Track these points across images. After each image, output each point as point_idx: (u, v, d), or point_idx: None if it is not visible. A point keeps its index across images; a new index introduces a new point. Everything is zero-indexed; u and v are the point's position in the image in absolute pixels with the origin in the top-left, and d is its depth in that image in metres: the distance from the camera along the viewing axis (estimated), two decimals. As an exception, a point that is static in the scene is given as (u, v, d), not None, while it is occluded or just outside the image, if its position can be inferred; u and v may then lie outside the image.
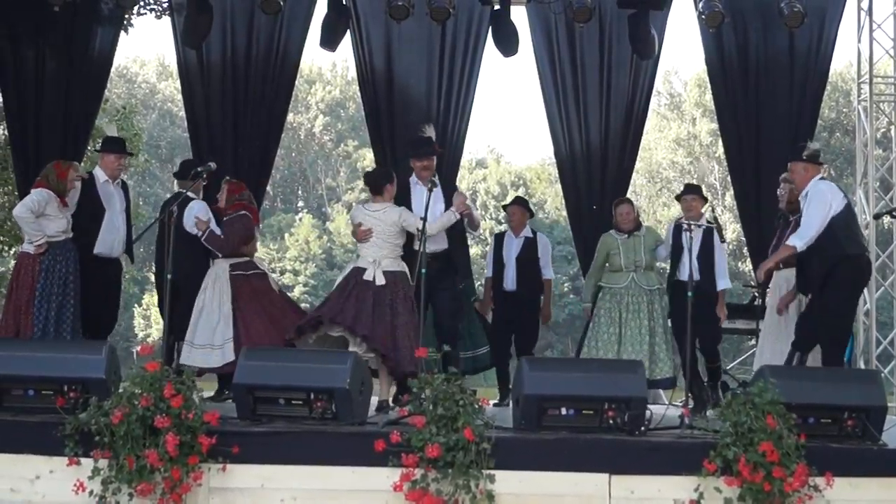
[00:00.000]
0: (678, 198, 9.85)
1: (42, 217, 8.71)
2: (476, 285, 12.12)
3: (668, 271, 9.74)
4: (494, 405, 8.54)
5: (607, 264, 9.81)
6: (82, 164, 10.85)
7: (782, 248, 8.20)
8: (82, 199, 9.09)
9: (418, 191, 9.02)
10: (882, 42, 12.02)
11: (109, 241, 9.16)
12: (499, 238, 10.68)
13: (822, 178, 8.23)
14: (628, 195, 10.90)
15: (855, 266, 8.14)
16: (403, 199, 8.98)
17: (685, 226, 8.75)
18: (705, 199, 9.83)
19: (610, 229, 9.94)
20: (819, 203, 8.03)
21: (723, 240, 9.46)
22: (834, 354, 8.09)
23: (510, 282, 10.22)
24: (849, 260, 8.05)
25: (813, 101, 11.47)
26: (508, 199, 11.62)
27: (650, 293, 9.67)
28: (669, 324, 9.64)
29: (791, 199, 9.06)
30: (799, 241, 8.00)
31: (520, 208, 10.67)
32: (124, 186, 9.49)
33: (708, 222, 9.45)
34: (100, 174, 9.24)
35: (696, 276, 8.46)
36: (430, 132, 9.34)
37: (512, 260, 10.27)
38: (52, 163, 9.09)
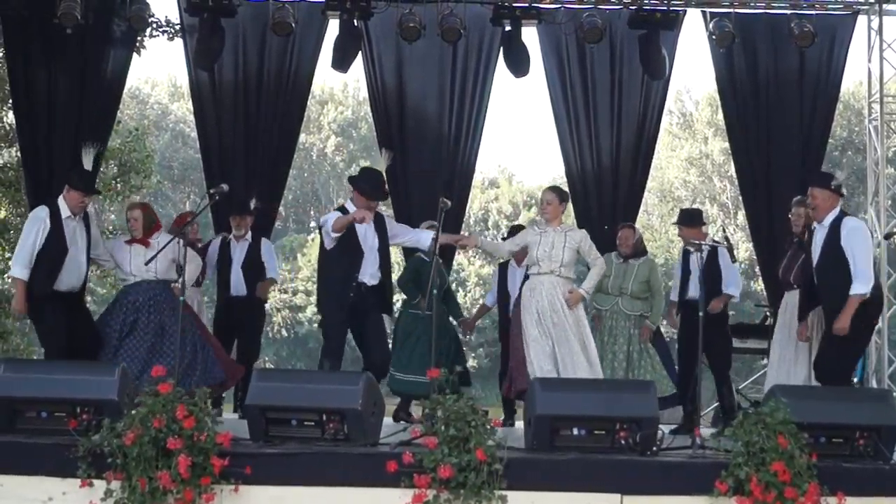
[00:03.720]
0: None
1: None
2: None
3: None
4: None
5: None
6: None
7: (851, 300, 7.90)
8: (48, 236, 8.54)
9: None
10: (893, 61, 12.00)
11: (69, 280, 8.65)
12: (503, 268, 10.67)
13: (843, 212, 8.17)
14: (640, 215, 10.91)
15: (870, 302, 8.13)
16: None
17: (690, 249, 8.77)
18: (699, 223, 9.82)
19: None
20: (865, 243, 8.02)
21: (734, 259, 9.43)
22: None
23: None
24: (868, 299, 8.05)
25: (824, 120, 11.51)
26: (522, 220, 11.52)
27: (632, 318, 9.71)
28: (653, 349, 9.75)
29: (808, 222, 9.03)
30: (863, 287, 7.88)
31: None
32: (86, 218, 8.85)
33: (716, 241, 9.42)
34: (63, 208, 8.64)
35: (694, 294, 8.55)
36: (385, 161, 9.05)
37: (517, 290, 9.91)
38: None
